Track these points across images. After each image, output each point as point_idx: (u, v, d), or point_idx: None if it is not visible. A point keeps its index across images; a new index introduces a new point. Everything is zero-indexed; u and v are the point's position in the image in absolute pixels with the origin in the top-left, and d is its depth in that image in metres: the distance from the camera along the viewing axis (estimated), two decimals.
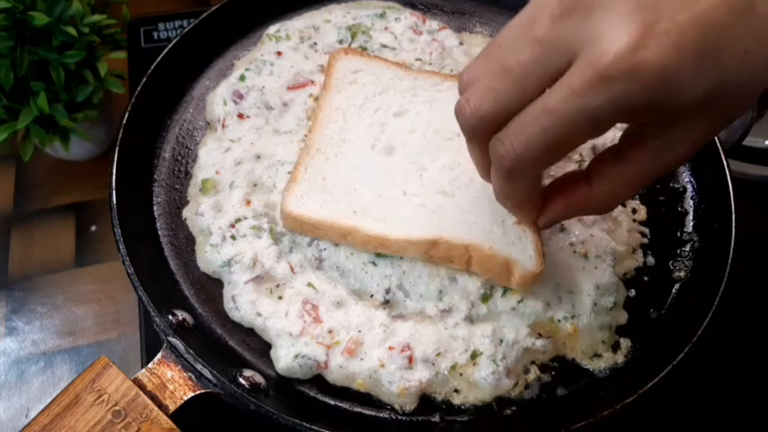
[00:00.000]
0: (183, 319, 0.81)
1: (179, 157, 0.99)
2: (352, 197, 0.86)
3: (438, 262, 0.84)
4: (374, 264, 0.84)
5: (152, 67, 1.00)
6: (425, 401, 0.80)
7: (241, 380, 0.76)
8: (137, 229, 0.87)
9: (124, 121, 0.93)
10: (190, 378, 0.75)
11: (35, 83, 1.11)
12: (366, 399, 0.79)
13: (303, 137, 0.97)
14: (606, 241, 0.90)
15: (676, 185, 1.02)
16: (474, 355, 0.80)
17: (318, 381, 0.80)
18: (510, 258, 0.81)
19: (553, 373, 0.83)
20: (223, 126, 0.99)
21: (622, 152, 0.63)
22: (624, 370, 0.84)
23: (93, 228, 1.30)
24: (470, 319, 0.83)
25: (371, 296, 0.84)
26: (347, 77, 0.98)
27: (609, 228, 0.93)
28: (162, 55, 1.01)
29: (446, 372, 0.79)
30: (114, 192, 0.86)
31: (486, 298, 0.84)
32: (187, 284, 0.87)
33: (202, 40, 1.07)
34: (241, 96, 1.01)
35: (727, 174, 0.95)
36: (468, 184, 0.89)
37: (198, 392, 0.74)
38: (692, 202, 1.00)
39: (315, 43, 1.09)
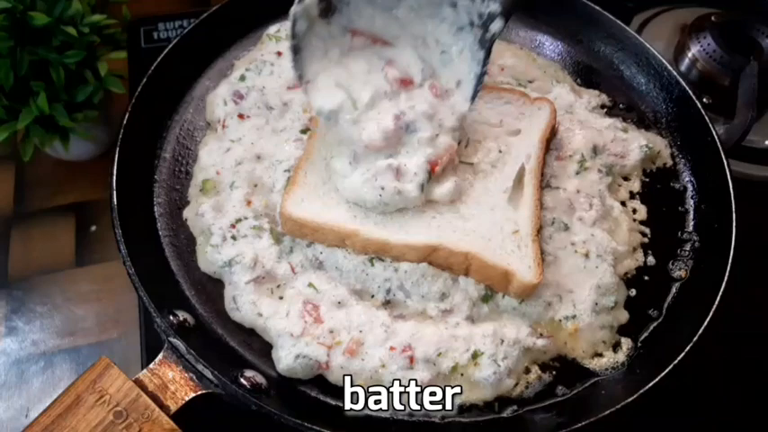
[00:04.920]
0: (184, 320, 0.81)
1: (179, 158, 0.99)
2: (353, 202, 0.86)
3: (437, 267, 0.84)
4: (371, 263, 0.84)
5: (152, 68, 1.00)
6: None
7: (242, 380, 0.77)
8: (137, 230, 0.87)
9: (125, 122, 0.93)
10: (191, 378, 0.75)
11: (35, 83, 1.11)
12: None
13: (299, 134, 0.97)
14: (607, 241, 0.90)
15: (676, 185, 1.02)
16: (475, 356, 0.80)
17: (319, 381, 0.80)
18: (509, 269, 0.81)
19: (554, 372, 0.83)
20: (223, 126, 0.99)
21: None
22: (625, 369, 0.84)
23: (93, 228, 1.30)
24: (471, 319, 0.83)
25: (372, 296, 0.84)
26: None
27: (609, 227, 0.93)
28: (162, 55, 1.01)
29: (447, 372, 0.79)
30: (115, 192, 0.86)
31: (487, 298, 0.84)
32: (188, 285, 0.87)
33: (202, 41, 1.07)
34: (241, 96, 1.01)
35: (728, 174, 0.95)
36: (469, 189, 0.89)
37: (199, 393, 0.74)
38: (692, 202, 1.00)
39: None
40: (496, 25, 0.82)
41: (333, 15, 0.85)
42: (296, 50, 0.83)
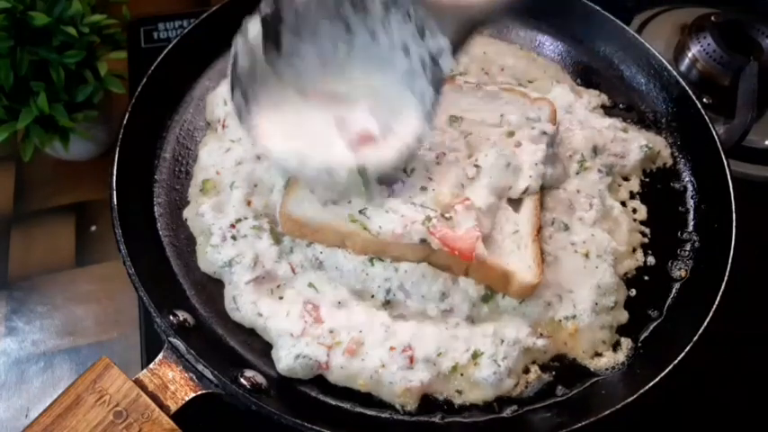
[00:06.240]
0: (185, 320, 0.81)
1: (179, 158, 0.99)
2: (353, 202, 0.86)
3: (437, 268, 0.84)
4: (372, 263, 0.85)
5: (152, 68, 0.99)
6: (427, 401, 0.80)
7: (242, 380, 0.76)
8: (137, 230, 0.87)
9: (125, 122, 0.93)
10: (191, 378, 0.75)
11: (35, 83, 1.11)
12: (367, 399, 0.79)
13: None
14: (607, 241, 0.90)
15: (676, 185, 1.02)
16: (475, 355, 0.80)
17: (320, 381, 0.80)
18: (509, 269, 0.81)
19: (554, 372, 0.83)
20: (223, 126, 0.99)
21: None
22: (625, 369, 0.84)
23: (93, 228, 1.30)
24: (471, 319, 0.83)
25: (372, 296, 0.84)
26: None
27: (609, 227, 0.93)
28: (162, 55, 1.01)
29: (447, 372, 0.79)
30: (115, 192, 0.86)
31: (487, 298, 0.84)
32: (188, 285, 0.87)
33: (202, 40, 1.07)
34: None
35: (728, 174, 0.95)
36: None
37: (199, 393, 0.74)
38: (692, 202, 1.00)
39: None
40: (446, 62, 0.78)
41: (280, 63, 0.84)
42: (234, 85, 0.82)
